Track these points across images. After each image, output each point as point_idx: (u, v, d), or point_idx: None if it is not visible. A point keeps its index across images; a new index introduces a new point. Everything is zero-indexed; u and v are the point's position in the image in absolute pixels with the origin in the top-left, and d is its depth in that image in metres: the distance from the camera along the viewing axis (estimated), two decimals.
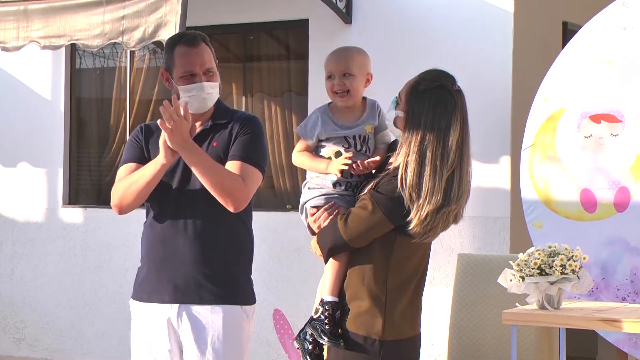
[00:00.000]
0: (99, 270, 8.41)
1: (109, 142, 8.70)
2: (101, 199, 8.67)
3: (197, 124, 4.11)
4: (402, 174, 3.66)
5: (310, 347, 3.84)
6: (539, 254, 4.88)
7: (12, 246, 8.77)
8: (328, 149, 3.96)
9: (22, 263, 8.73)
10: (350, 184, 3.91)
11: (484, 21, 7.14)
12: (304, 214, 4.00)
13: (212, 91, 4.06)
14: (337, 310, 3.75)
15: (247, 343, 4.07)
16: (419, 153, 3.65)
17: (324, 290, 3.81)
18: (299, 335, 3.91)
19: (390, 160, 3.83)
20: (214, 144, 4.05)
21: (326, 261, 3.81)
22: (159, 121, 3.84)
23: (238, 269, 4.07)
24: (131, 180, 4.02)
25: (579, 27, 6.00)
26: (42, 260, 8.65)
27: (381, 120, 4.00)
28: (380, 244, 3.74)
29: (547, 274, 4.84)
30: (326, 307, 3.76)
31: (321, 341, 3.75)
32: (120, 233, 8.21)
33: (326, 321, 3.73)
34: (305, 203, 3.98)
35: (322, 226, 3.86)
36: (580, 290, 4.91)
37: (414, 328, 3.82)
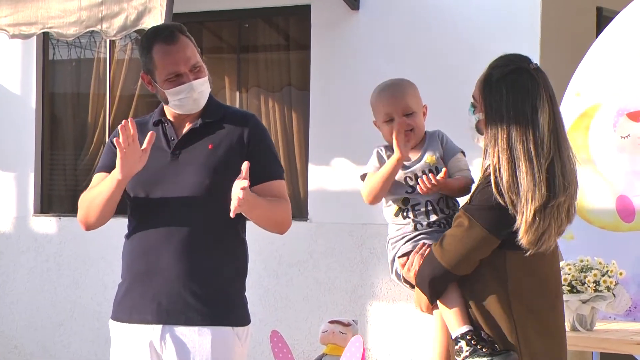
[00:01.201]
0: (74, 286, 8.42)
1: (86, 142, 8.72)
2: (77, 207, 8.66)
3: (185, 122, 4.12)
4: (495, 178, 3.55)
5: None
6: (570, 268, 4.88)
7: None
8: (392, 207, 3.93)
9: None
10: (432, 223, 3.86)
11: (508, 6, 7.14)
12: (394, 273, 3.91)
13: (203, 89, 4.07)
14: (480, 333, 3.60)
15: None
16: (508, 149, 3.55)
17: (452, 327, 3.65)
18: None
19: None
20: (210, 147, 4.06)
21: (432, 300, 3.67)
22: (232, 211, 3.84)
23: (230, 285, 4.07)
24: (91, 196, 4.07)
25: (616, 12, 6.01)
26: (10, 276, 8.66)
27: (446, 146, 3.97)
28: (490, 267, 3.61)
29: (578, 292, 4.84)
30: (468, 337, 3.60)
31: None
32: (98, 245, 8.22)
33: (479, 346, 3.57)
34: (393, 260, 3.90)
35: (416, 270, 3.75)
36: (616, 310, 4.91)
37: (553, 356, 3.69)
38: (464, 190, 3.86)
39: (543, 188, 3.52)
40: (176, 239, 3.99)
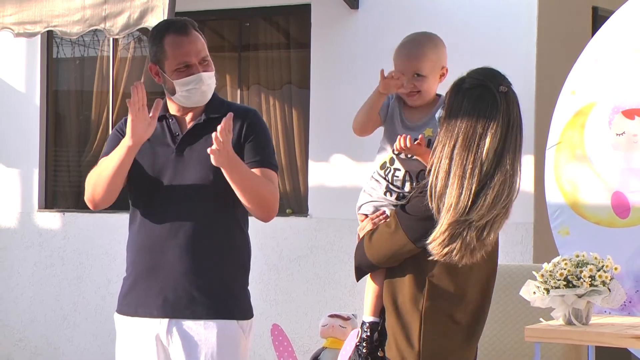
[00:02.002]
0: (78, 281, 8.42)
1: (89, 139, 8.72)
2: (81, 202, 8.67)
3: (188, 118, 4.12)
4: (432, 182, 3.60)
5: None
6: (566, 263, 4.88)
7: None
8: (385, 153, 3.94)
9: None
10: (402, 194, 3.89)
11: (505, 6, 7.14)
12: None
13: (210, 82, 4.09)
14: (375, 331, 3.74)
15: None
16: (448, 158, 3.58)
17: (365, 310, 3.81)
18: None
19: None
20: (212, 143, 4.06)
21: (357, 279, 3.82)
22: (208, 149, 3.85)
23: (234, 279, 4.07)
24: (99, 170, 4.05)
25: (611, 12, 6.00)
26: (15, 270, 8.66)
27: None
28: (413, 262, 3.69)
29: (574, 286, 4.84)
30: (364, 329, 3.76)
31: None
32: (102, 240, 8.22)
33: (364, 344, 3.74)
34: (360, 207, 3.99)
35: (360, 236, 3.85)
36: (612, 304, 4.91)
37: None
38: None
39: (462, 207, 3.55)
40: (181, 234, 4.00)
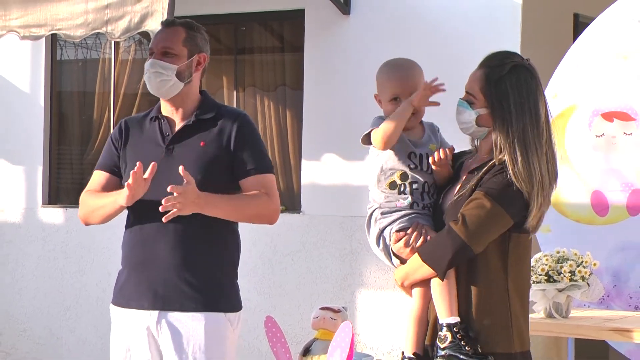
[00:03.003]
0: (80, 274, 8.41)
1: (91, 138, 8.70)
2: None
3: (178, 118, 4.11)
4: (513, 169, 3.59)
5: None
6: (547, 259, 4.89)
7: None
8: (391, 174, 3.85)
9: None
10: (425, 205, 3.83)
11: (490, 12, 7.14)
12: (381, 244, 3.86)
13: (161, 70, 4.04)
14: (467, 329, 3.61)
15: (231, 353, 4.06)
16: (520, 143, 3.59)
17: (441, 314, 3.65)
18: None
19: (470, 165, 3.78)
20: (202, 144, 4.04)
21: (443, 277, 3.63)
22: (161, 207, 3.85)
23: (222, 273, 4.06)
24: (93, 206, 4.13)
25: (592, 19, 6.02)
26: (19, 263, 8.65)
27: (441, 139, 3.95)
28: (495, 247, 3.63)
29: (555, 281, 4.85)
30: (454, 330, 3.59)
31: None
32: (102, 235, 8.21)
33: (463, 343, 3.58)
34: (382, 230, 3.85)
35: (416, 247, 3.72)
36: (591, 298, 4.93)
37: (529, 341, 3.75)
38: (448, 178, 3.84)
39: (551, 176, 3.61)
40: (170, 231, 3.99)
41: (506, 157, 3.60)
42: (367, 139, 3.89)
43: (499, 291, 3.62)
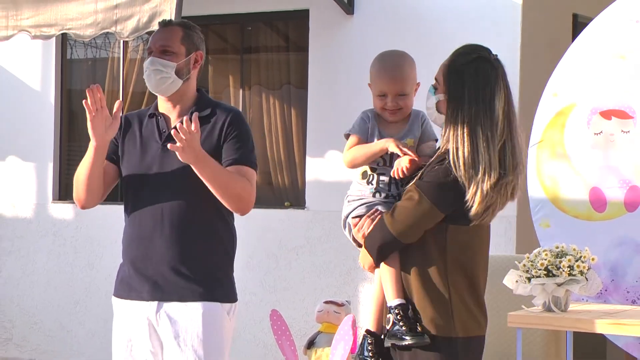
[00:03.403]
0: (89, 268, 8.42)
1: None
2: None
3: (175, 115, 4.13)
4: (453, 156, 3.60)
5: None
6: (546, 254, 4.89)
7: None
8: (360, 168, 3.92)
9: (10, 260, 8.74)
10: (391, 194, 3.89)
11: (491, 13, 7.14)
12: (347, 228, 3.95)
13: (160, 68, 4.06)
14: (407, 310, 3.66)
15: (227, 341, 4.09)
16: (468, 128, 3.60)
17: (388, 296, 3.73)
18: (358, 356, 3.86)
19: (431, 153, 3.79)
20: None
21: (377, 263, 3.73)
22: (169, 145, 3.86)
23: (218, 266, 4.09)
24: (77, 173, 4.12)
25: (590, 19, 6.01)
26: (30, 258, 8.66)
27: (425, 129, 3.96)
28: (432, 238, 3.66)
29: (554, 275, 4.85)
30: (396, 311, 3.66)
31: (403, 343, 3.63)
32: (111, 230, 8.22)
33: (401, 323, 3.64)
34: (347, 217, 3.94)
35: (366, 233, 3.79)
36: (589, 292, 4.92)
37: (483, 325, 3.76)
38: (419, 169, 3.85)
39: (497, 167, 3.59)
40: (167, 225, 4.02)
41: (450, 146, 3.61)
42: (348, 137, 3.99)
43: (438, 278, 3.65)
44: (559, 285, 4.86)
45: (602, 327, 4.83)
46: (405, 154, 3.78)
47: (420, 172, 3.70)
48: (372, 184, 3.88)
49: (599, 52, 5.82)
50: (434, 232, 3.66)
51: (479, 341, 3.74)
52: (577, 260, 4.87)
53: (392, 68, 3.94)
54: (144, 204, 4.04)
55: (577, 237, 5.51)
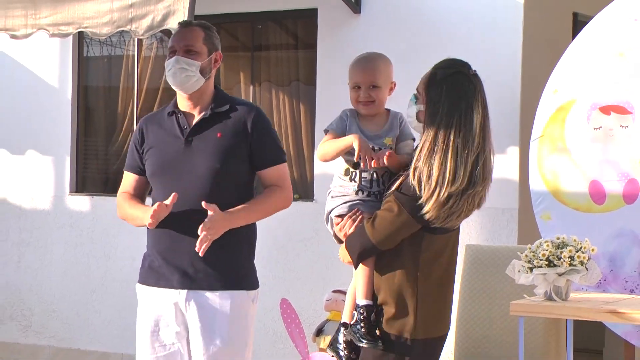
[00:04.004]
0: (105, 258, 8.43)
1: (116, 130, 8.72)
2: (108, 187, 8.68)
3: (195, 112, 4.14)
4: (415, 163, 3.67)
5: (346, 352, 3.89)
6: (548, 245, 4.88)
7: (18, 234, 8.80)
8: (346, 157, 3.96)
9: (28, 251, 8.76)
10: (373, 192, 3.92)
11: (494, 12, 7.13)
12: (329, 223, 4.03)
13: (186, 67, 4.10)
14: (371, 312, 3.77)
15: (251, 326, 4.17)
16: (442, 138, 3.65)
17: (357, 295, 3.83)
18: (331, 344, 3.96)
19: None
20: (219, 135, 4.08)
21: (356, 266, 3.83)
22: (203, 247, 4.01)
23: (243, 256, 4.14)
24: (127, 215, 4.27)
25: (590, 18, 6.00)
26: (48, 248, 8.68)
27: (403, 129, 4.00)
28: (408, 244, 3.75)
29: (555, 266, 4.85)
30: (360, 311, 3.78)
31: (359, 344, 3.76)
32: (126, 222, 8.22)
33: (362, 324, 3.76)
34: (330, 212, 4.02)
35: (348, 233, 3.88)
36: (589, 282, 4.92)
37: (444, 327, 3.86)
38: (405, 165, 3.89)
39: (465, 178, 3.64)
40: (194, 218, 4.03)
41: (423, 153, 3.66)
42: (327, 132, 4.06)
43: (408, 283, 3.73)
44: (560, 275, 4.86)
45: (601, 315, 4.83)
46: (374, 157, 3.82)
47: (399, 182, 3.75)
48: (354, 181, 3.93)
49: (598, 49, 5.81)
50: (410, 240, 3.75)
51: (439, 341, 3.85)
52: (577, 251, 4.86)
53: (365, 61, 4.02)
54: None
55: (577, 228, 5.51)
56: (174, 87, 4.16)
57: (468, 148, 3.64)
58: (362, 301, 3.80)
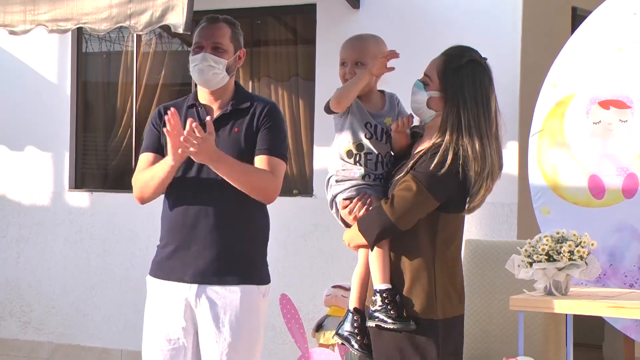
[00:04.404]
0: (105, 254, 8.43)
1: (115, 126, 8.71)
2: (107, 183, 8.68)
3: (215, 107, 4.16)
4: (458, 150, 3.69)
5: (358, 337, 3.88)
6: (547, 240, 4.88)
7: (18, 230, 8.79)
8: (348, 142, 3.95)
9: (28, 247, 8.76)
10: (378, 176, 3.93)
11: (493, 6, 7.12)
12: (334, 207, 4.02)
13: (213, 64, 4.11)
14: (396, 295, 3.76)
15: (263, 320, 4.19)
16: (475, 126, 3.71)
17: (375, 280, 3.81)
18: (337, 332, 3.94)
19: (417, 146, 3.88)
20: (236, 130, 4.10)
21: (373, 247, 3.81)
22: (179, 151, 3.88)
23: (255, 251, 4.16)
24: (147, 177, 4.12)
25: (589, 12, 5.99)
26: (48, 245, 8.67)
27: (400, 109, 4.02)
28: (425, 226, 3.77)
29: (555, 260, 4.84)
30: (384, 295, 3.76)
31: (393, 327, 3.73)
32: (126, 217, 8.23)
33: (389, 306, 3.74)
34: (335, 196, 4.00)
35: (358, 216, 3.87)
36: (588, 277, 4.92)
37: (460, 307, 3.88)
38: (406, 148, 3.94)
39: (498, 164, 3.77)
40: (210, 213, 4.06)
41: (452, 139, 3.70)
42: (329, 108, 4.04)
43: (425, 264, 3.75)
44: (560, 269, 4.86)
45: (601, 310, 4.83)
46: (387, 56, 3.85)
47: (412, 163, 3.78)
48: (359, 164, 3.91)
49: (597, 44, 5.80)
50: (427, 220, 3.76)
51: (458, 320, 3.87)
52: (577, 246, 4.86)
53: (354, 39, 4.06)
54: (188, 193, 4.09)
55: (576, 223, 5.51)
56: (198, 83, 4.16)
57: (492, 136, 3.75)
58: (382, 285, 3.78)
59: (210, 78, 4.13)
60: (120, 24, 6.57)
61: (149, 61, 8.53)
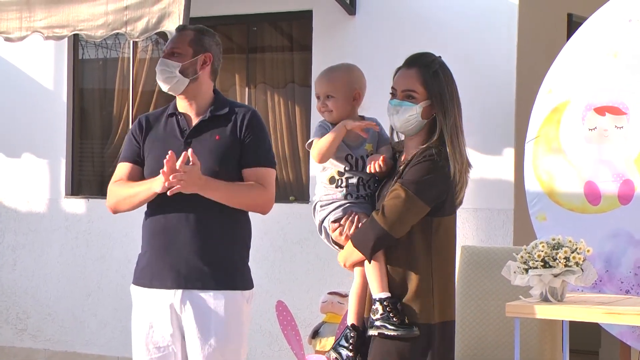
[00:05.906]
0: (101, 260, 8.42)
1: (111, 133, 8.71)
2: (104, 190, 8.65)
3: (194, 115, 4.18)
4: (442, 151, 3.79)
5: (351, 354, 3.93)
6: (543, 246, 4.88)
7: (14, 236, 8.78)
8: (330, 170, 4.03)
9: (24, 253, 8.74)
10: (360, 195, 3.98)
11: (489, 13, 7.13)
12: (323, 233, 4.08)
13: (166, 68, 4.20)
14: (397, 303, 3.82)
15: (246, 326, 4.18)
16: (454, 126, 3.84)
17: (373, 289, 3.86)
18: (334, 347, 3.98)
19: (401, 160, 3.97)
20: (217, 138, 4.11)
21: (370, 259, 3.85)
22: (166, 183, 3.95)
23: (237, 256, 4.16)
24: (128, 193, 4.15)
25: (584, 19, 6.00)
26: (44, 251, 8.66)
27: (381, 134, 4.08)
28: (420, 231, 3.82)
29: (550, 267, 4.84)
30: (385, 303, 3.81)
31: (394, 334, 3.77)
32: (122, 224, 8.22)
33: (391, 314, 3.79)
34: (322, 221, 4.06)
35: (349, 234, 3.93)
36: (584, 283, 4.91)
37: (453, 312, 3.93)
38: (387, 173, 4.01)
39: (466, 155, 3.92)
40: (192, 218, 4.06)
41: (448, 140, 3.82)
42: (310, 146, 4.12)
43: (423, 269, 3.81)
44: (556, 276, 4.85)
45: (597, 316, 4.83)
46: (364, 125, 3.95)
47: (398, 174, 3.85)
48: (341, 187, 3.97)
49: (593, 50, 5.81)
50: (421, 227, 3.82)
51: (452, 325, 3.92)
52: (573, 252, 4.86)
53: (325, 72, 4.16)
54: (169, 198, 4.07)
55: (572, 229, 5.50)
56: (162, 89, 4.25)
57: (462, 126, 3.91)
58: (382, 294, 3.83)
59: (165, 82, 4.20)
60: (117, 31, 6.57)
61: (145, 68, 8.53)
